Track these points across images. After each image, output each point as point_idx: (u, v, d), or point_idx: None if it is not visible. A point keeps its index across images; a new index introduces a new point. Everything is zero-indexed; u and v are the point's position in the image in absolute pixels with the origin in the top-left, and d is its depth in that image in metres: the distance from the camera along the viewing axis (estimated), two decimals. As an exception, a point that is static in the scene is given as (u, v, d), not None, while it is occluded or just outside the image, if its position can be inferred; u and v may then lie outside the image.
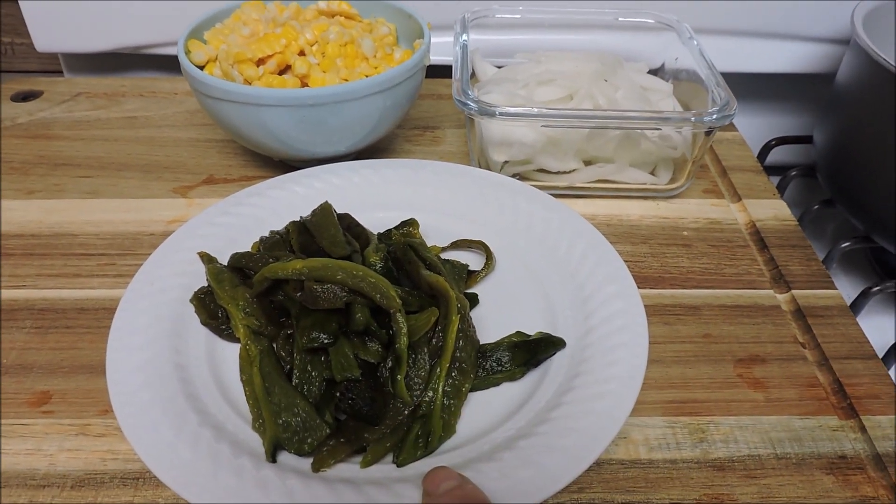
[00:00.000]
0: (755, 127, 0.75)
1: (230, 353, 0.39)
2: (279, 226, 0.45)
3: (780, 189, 0.65)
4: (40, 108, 0.64)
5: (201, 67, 0.52)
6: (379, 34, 0.53)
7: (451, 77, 0.52)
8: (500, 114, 0.47)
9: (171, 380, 0.36)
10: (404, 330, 0.35)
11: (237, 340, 0.39)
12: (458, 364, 0.36)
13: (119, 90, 0.66)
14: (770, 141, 0.70)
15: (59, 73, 0.77)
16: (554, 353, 0.38)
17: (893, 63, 0.50)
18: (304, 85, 0.50)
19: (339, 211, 0.44)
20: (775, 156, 0.71)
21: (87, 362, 0.41)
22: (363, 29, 0.54)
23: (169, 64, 0.72)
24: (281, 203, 0.47)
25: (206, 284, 0.41)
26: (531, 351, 0.37)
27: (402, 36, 0.57)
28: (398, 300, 0.35)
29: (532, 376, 0.38)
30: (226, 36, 0.52)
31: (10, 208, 0.52)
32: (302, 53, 0.51)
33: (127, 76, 0.73)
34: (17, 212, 0.51)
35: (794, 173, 0.66)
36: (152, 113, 0.63)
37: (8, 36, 0.85)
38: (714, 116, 0.46)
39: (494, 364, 0.37)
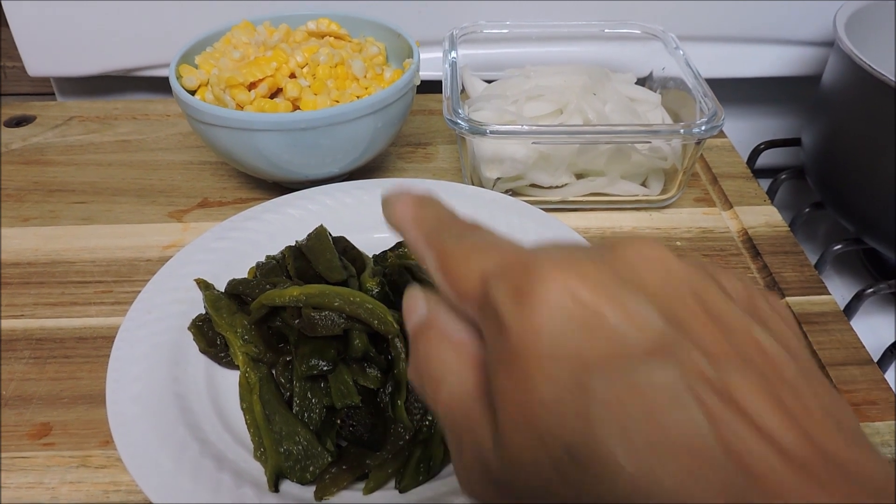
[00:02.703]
0: (744, 131, 0.75)
1: (229, 380, 0.39)
2: (275, 249, 0.45)
3: (771, 193, 0.65)
4: (33, 134, 0.64)
5: (193, 92, 0.52)
6: (368, 54, 0.54)
7: (441, 92, 0.53)
8: (491, 132, 0.47)
9: (170, 409, 0.36)
10: (403, 355, 0.35)
11: (236, 367, 0.39)
12: (456, 386, 0.36)
13: (111, 113, 0.66)
14: (759, 145, 0.70)
15: (52, 94, 0.77)
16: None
17: (875, 66, 0.50)
18: (296, 107, 0.50)
19: (333, 233, 0.44)
20: (765, 159, 0.71)
21: (87, 392, 0.41)
22: (353, 49, 0.54)
23: (160, 85, 0.72)
24: (275, 226, 0.48)
25: (203, 311, 0.41)
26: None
27: (391, 54, 0.58)
28: (396, 325, 0.35)
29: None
30: (216, 60, 0.52)
31: (7, 236, 0.52)
32: (293, 76, 0.51)
33: (119, 98, 0.73)
34: (14, 240, 0.51)
35: (783, 176, 0.66)
36: (145, 136, 0.63)
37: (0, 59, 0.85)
38: (702, 128, 0.47)
39: (493, 385, 0.37)
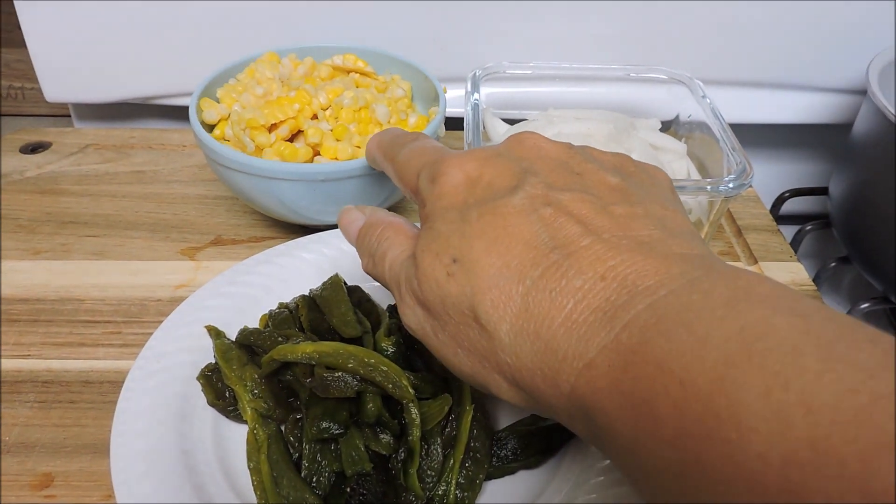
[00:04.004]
0: (768, 176, 0.74)
1: (237, 434, 0.38)
2: (288, 295, 0.44)
3: (795, 243, 0.64)
4: (49, 161, 0.63)
5: (213, 126, 0.52)
6: (394, 96, 0.53)
7: (462, 129, 0.52)
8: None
9: (176, 468, 0.35)
10: (417, 422, 0.34)
11: (244, 422, 0.38)
12: (471, 454, 0.35)
13: (128, 142, 0.66)
14: (784, 193, 0.69)
15: (69, 116, 0.77)
16: (571, 438, 0.37)
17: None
18: (316, 152, 0.49)
19: (347, 279, 0.43)
20: (789, 206, 0.70)
21: (91, 441, 0.40)
22: (377, 88, 0.54)
23: (179, 113, 0.72)
24: (289, 271, 0.46)
25: (213, 360, 0.40)
26: (547, 437, 0.36)
27: (417, 95, 0.57)
28: (411, 391, 0.34)
29: (551, 460, 0.37)
30: (239, 94, 0.52)
31: (17, 270, 0.51)
32: (315, 117, 0.50)
33: (136, 126, 0.73)
34: (24, 274, 0.51)
35: (809, 228, 0.65)
36: (161, 167, 0.62)
37: (18, 81, 0.85)
38: (730, 185, 0.46)
39: (509, 453, 0.36)
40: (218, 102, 0.52)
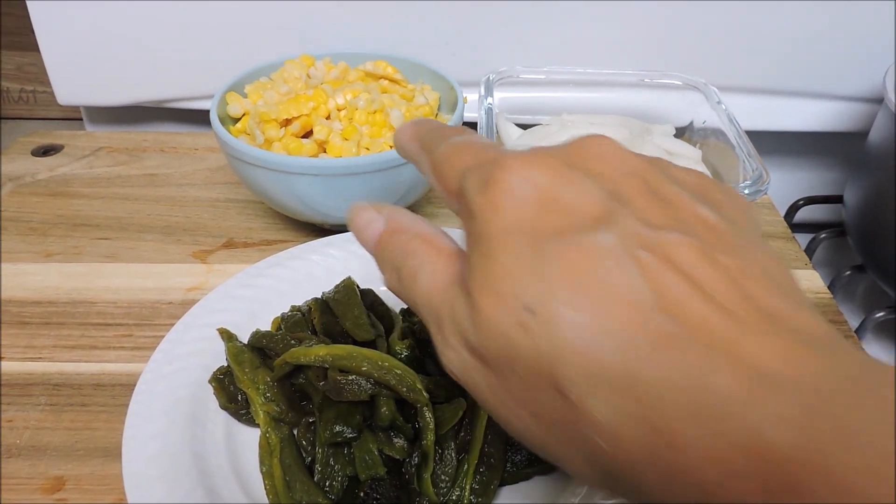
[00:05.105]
0: (782, 183, 0.73)
1: (249, 437, 0.38)
2: (300, 299, 0.44)
3: (809, 251, 0.63)
4: (61, 164, 0.63)
5: (237, 119, 0.52)
6: (415, 104, 0.53)
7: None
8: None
9: (189, 471, 0.34)
10: (431, 426, 0.33)
11: (256, 425, 0.37)
12: (486, 459, 0.34)
13: (140, 145, 0.66)
14: (798, 200, 0.69)
15: (81, 119, 0.77)
16: (585, 444, 0.37)
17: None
18: (323, 150, 0.49)
19: (360, 282, 0.43)
20: (803, 213, 0.69)
21: (103, 444, 0.39)
22: (402, 96, 0.54)
23: (191, 117, 0.72)
24: (301, 274, 0.46)
25: (225, 363, 0.40)
26: (562, 443, 0.36)
27: (445, 105, 0.57)
28: (425, 394, 0.34)
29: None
30: (265, 91, 0.52)
31: (29, 272, 0.51)
32: (330, 117, 0.50)
33: (148, 129, 0.73)
34: (36, 276, 0.51)
35: (823, 236, 0.64)
36: (173, 170, 0.62)
37: (31, 84, 0.86)
38: (746, 191, 0.45)
39: (524, 458, 0.35)
40: (245, 98, 0.53)
